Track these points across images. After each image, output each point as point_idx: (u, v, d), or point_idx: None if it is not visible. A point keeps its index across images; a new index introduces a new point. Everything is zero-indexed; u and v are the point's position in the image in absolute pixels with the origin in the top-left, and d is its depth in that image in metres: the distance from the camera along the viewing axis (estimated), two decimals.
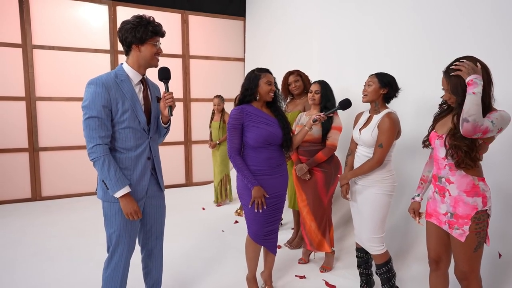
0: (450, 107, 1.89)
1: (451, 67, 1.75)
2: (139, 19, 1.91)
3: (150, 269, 2.27)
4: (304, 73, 3.54)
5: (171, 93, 2.01)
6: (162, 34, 2.00)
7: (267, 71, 2.46)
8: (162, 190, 2.21)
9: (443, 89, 1.83)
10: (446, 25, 2.72)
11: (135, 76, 1.99)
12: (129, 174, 1.97)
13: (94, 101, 1.84)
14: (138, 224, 2.08)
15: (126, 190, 1.90)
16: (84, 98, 1.88)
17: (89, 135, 1.85)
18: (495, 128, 1.62)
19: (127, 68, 1.98)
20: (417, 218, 2.11)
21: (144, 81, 2.05)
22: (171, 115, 2.03)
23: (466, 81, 1.65)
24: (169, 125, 2.16)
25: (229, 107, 5.25)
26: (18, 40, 5.08)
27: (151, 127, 2.06)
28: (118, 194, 1.88)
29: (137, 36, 1.90)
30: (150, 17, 1.95)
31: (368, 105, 2.44)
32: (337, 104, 2.61)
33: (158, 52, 2.00)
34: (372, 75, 2.37)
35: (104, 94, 1.85)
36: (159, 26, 1.97)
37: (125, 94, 1.92)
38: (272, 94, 2.44)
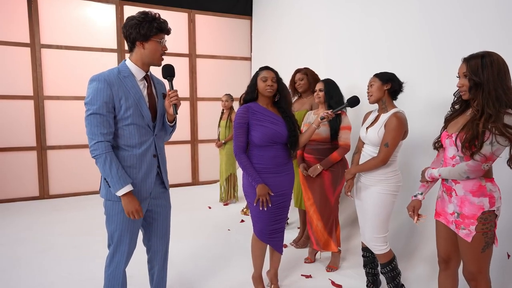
0: (462, 107, 1.84)
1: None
2: (144, 15, 1.86)
3: (154, 270, 2.24)
4: (312, 71, 3.50)
5: (176, 91, 1.96)
6: (168, 32, 1.94)
7: (266, 68, 2.46)
8: (167, 188, 2.16)
9: (457, 77, 1.76)
10: (451, 24, 2.69)
11: (138, 73, 1.95)
12: (135, 172, 1.94)
13: (96, 97, 1.80)
14: (139, 223, 2.04)
15: (128, 188, 1.86)
16: (86, 94, 1.85)
17: (91, 132, 1.81)
18: (500, 144, 1.60)
19: (130, 65, 1.94)
20: (416, 217, 2.04)
21: (148, 78, 2.00)
22: (176, 113, 1.98)
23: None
24: (175, 123, 2.13)
25: (236, 106, 5.26)
26: (27, 40, 5.13)
27: (157, 124, 2.01)
28: (120, 193, 1.84)
29: (141, 32, 1.85)
30: (156, 13, 1.90)
31: (376, 105, 2.43)
32: (345, 101, 2.59)
33: (164, 50, 1.96)
34: (372, 77, 2.40)
35: (106, 90, 1.82)
36: (164, 23, 1.91)
37: (128, 90, 1.88)
38: (270, 90, 2.40)
